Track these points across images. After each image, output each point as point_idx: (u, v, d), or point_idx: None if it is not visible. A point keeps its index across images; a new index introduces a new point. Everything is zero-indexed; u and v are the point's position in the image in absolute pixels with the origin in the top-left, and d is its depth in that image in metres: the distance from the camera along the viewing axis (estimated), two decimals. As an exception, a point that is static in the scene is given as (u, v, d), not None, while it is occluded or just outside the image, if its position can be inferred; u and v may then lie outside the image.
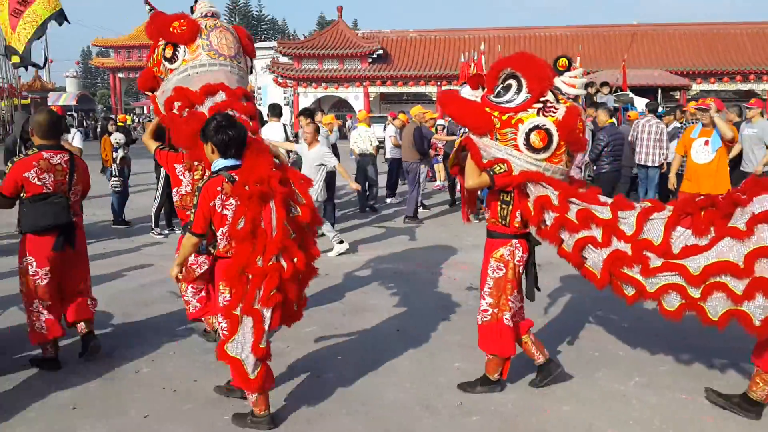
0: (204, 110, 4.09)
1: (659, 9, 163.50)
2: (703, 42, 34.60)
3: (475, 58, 12.59)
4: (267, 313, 3.51)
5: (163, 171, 8.46)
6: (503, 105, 3.77)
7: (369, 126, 11.95)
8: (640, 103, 14.77)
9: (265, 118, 9.44)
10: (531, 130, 3.68)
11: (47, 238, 4.35)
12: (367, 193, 11.43)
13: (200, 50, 4.28)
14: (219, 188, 3.55)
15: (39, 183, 4.29)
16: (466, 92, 3.98)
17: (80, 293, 4.66)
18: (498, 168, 3.73)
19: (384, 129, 12.11)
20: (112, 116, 19.18)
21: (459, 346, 4.93)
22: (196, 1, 4.61)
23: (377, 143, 11.76)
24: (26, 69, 9.01)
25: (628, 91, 15.11)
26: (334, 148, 10.21)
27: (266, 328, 3.52)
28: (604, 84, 14.81)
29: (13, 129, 9.72)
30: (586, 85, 15.75)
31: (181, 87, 4.19)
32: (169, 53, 4.33)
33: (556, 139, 3.70)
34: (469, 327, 5.29)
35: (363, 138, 11.44)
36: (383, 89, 35.94)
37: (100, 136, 11.00)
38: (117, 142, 9.80)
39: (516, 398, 4.05)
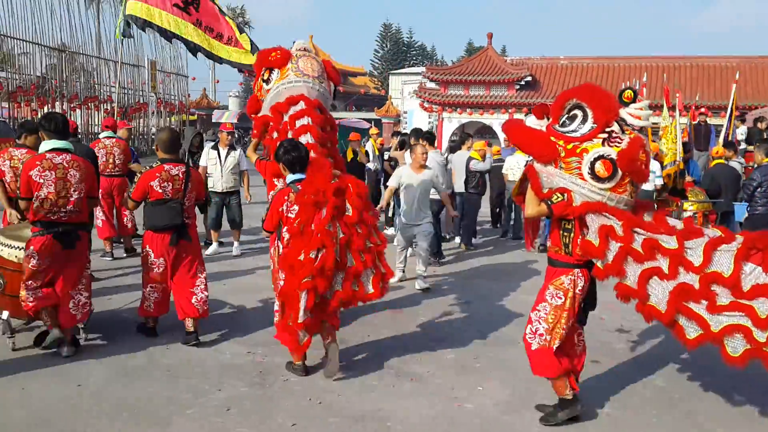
0: (287, 118, 5.09)
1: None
2: None
3: (637, 87, 12.03)
4: (303, 296, 4.24)
5: None
6: (568, 134, 3.83)
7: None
8: (820, 141, 13.40)
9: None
10: (596, 159, 3.72)
11: (163, 236, 5.20)
12: (512, 222, 11.25)
13: (289, 72, 5.28)
14: (286, 197, 4.52)
15: (160, 190, 5.17)
16: (531, 121, 4.07)
17: (192, 289, 5.33)
18: (556, 198, 3.80)
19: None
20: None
21: (610, 392, 4.69)
22: (293, 42, 5.62)
23: None
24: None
25: (805, 128, 13.78)
26: (483, 175, 10.18)
27: (302, 307, 4.25)
28: (776, 119, 13.67)
29: (183, 143, 10.54)
30: (755, 120, 14.62)
31: (274, 107, 5.15)
32: (266, 76, 5.38)
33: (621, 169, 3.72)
34: (619, 371, 5.08)
35: (521, 165, 11.18)
36: (529, 117, 35.38)
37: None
38: None
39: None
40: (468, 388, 4.63)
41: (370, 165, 12.49)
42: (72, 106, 26.35)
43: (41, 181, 4.73)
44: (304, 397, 4.38)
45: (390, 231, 10.87)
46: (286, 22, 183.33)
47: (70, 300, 4.91)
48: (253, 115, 5.61)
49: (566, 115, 3.95)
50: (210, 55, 9.37)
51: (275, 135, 5.17)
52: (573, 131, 3.84)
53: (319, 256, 4.26)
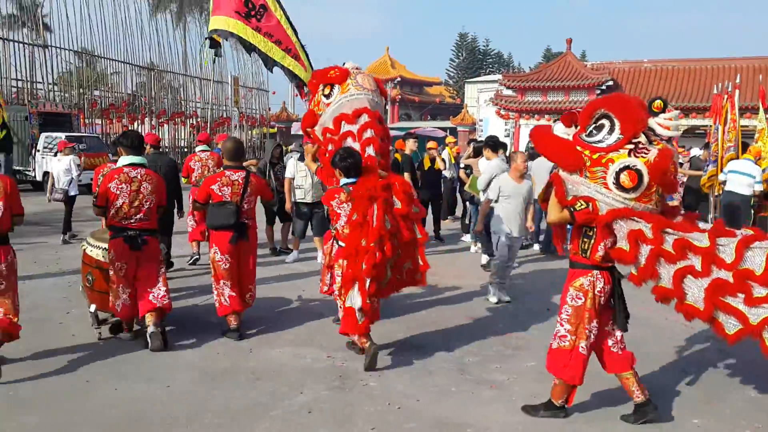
0: (355, 129, 5.42)
1: None
2: None
3: (729, 89, 11.48)
4: (368, 281, 4.73)
5: None
6: (595, 144, 3.86)
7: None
8: None
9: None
10: (621, 170, 3.75)
11: (225, 233, 5.61)
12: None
13: (350, 86, 5.61)
14: (336, 195, 4.99)
15: (220, 193, 5.68)
16: (559, 129, 4.09)
17: (249, 284, 5.85)
18: (579, 205, 3.85)
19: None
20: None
21: (699, 401, 4.53)
22: (344, 63, 5.95)
23: None
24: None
25: None
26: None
27: (367, 290, 4.75)
28: None
29: (264, 155, 10.81)
30: None
31: (337, 117, 5.48)
32: (327, 91, 5.69)
33: (646, 179, 3.74)
34: (710, 382, 4.89)
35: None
36: (610, 122, 34.41)
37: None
38: None
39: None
40: (547, 395, 4.52)
41: (446, 173, 12.47)
42: (160, 121, 27.60)
43: (118, 192, 5.29)
44: (383, 402, 4.40)
45: (466, 238, 10.81)
46: (361, 34, 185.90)
47: (149, 294, 5.35)
48: (308, 129, 5.91)
49: (593, 125, 3.96)
50: (265, 57, 9.53)
51: (330, 147, 5.51)
52: (599, 141, 3.87)
53: (379, 245, 4.73)
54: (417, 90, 54.57)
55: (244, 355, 5.26)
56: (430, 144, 11.86)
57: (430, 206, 10.93)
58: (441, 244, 10.90)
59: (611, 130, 3.86)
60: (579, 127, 4.05)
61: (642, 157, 3.75)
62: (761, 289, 3.48)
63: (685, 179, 11.96)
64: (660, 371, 5.09)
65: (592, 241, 3.91)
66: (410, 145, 10.57)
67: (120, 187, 5.28)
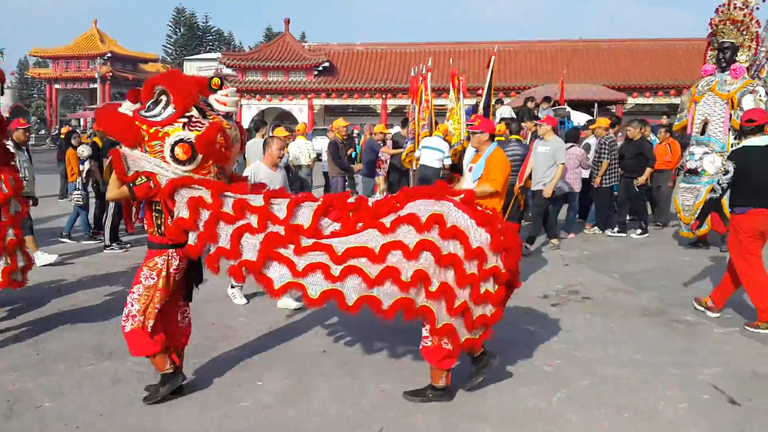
0: None
1: (603, 25, 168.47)
2: (640, 57, 35.62)
3: (423, 71, 12.49)
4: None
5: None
6: (151, 119, 3.99)
7: (306, 138, 11.96)
8: (578, 117, 14.99)
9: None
10: (176, 143, 3.91)
11: None
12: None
13: None
14: None
15: None
16: (126, 106, 4.16)
17: None
18: (139, 180, 3.95)
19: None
20: (78, 129, 18.78)
21: (386, 367, 4.83)
22: None
23: (315, 155, 11.77)
24: None
25: (565, 105, 15.33)
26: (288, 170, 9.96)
27: None
28: (547, 99, 15.01)
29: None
30: (527, 100, 15.95)
31: None
32: None
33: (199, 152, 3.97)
34: (397, 347, 5.19)
35: (301, 149, 11.36)
36: (328, 102, 35.81)
37: (63, 149, 10.65)
38: (81, 154, 9.55)
39: (438, 419, 3.92)
40: (245, 383, 4.45)
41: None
42: None
43: None
44: (58, 425, 3.90)
45: None
46: (63, 3, 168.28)
47: None
48: None
49: (153, 100, 4.09)
50: None
51: None
52: (156, 116, 3.99)
53: None
54: (131, 67, 51.09)
55: None
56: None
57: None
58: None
59: (167, 105, 3.98)
60: (141, 104, 4.11)
61: (196, 130, 3.91)
62: (308, 240, 3.86)
63: (389, 157, 12.76)
64: (351, 343, 5.31)
65: (163, 215, 4.01)
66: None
67: None
